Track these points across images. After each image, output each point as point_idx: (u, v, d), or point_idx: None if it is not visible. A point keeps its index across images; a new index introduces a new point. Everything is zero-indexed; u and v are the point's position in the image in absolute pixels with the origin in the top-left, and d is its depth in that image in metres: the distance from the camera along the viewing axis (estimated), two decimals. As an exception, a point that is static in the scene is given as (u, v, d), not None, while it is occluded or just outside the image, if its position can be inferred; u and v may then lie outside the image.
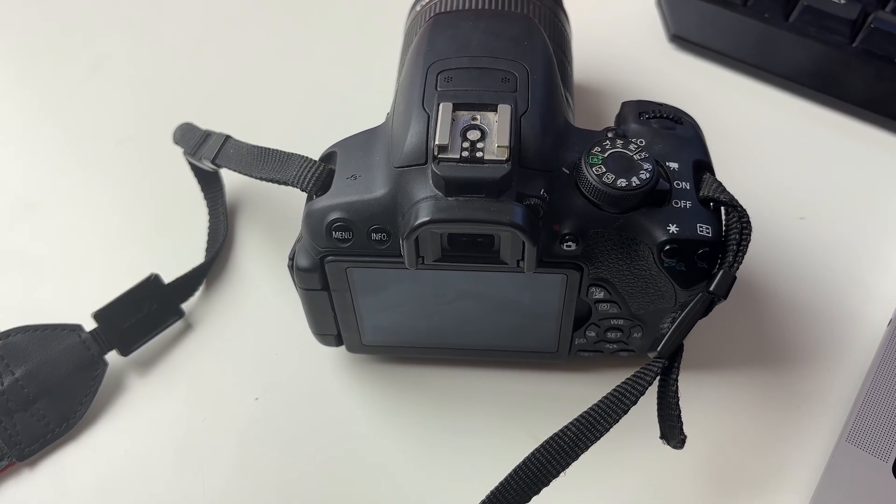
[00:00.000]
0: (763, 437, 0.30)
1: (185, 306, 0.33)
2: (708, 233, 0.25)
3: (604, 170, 0.25)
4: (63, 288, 0.34)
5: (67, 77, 0.43)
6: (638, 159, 0.25)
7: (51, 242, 0.36)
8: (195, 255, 0.35)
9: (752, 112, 0.40)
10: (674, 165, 0.26)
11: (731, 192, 0.26)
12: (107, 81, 0.42)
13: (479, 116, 0.24)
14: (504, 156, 0.24)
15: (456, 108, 0.25)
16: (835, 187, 0.37)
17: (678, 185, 0.26)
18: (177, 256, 0.35)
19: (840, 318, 0.33)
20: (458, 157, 0.24)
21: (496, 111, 0.24)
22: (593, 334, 0.29)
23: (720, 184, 0.26)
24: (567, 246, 0.25)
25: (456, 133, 0.24)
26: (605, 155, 0.25)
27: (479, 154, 0.24)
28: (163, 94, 0.42)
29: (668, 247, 0.25)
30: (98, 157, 0.39)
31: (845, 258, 0.35)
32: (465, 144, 0.24)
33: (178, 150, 0.34)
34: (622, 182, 0.25)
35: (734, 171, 0.37)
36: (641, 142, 0.26)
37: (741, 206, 0.26)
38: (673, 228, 0.25)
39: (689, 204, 0.26)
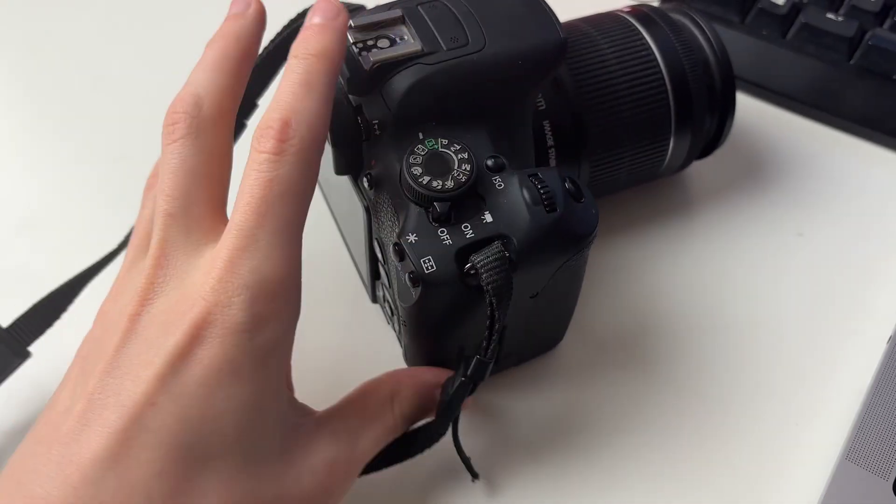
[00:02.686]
0: (763, 456, 0.30)
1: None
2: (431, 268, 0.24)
3: (420, 171, 0.25)
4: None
5: (67, 94, 0.43)
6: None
7: (51, 258, 0.36)
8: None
9: (750, 128, 0.40)
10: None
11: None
12: (107, 98, 0.42)
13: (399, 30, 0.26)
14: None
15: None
16: (832, 203, 0.37)
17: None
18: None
19: (839, 334, 0.33)
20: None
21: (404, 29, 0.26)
22: (380, 293, 0.30)
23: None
24: (368, 185, 0.26)
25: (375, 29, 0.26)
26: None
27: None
28: (162, 110, 0.42)
29: (396, 247, 0.25)
30: (98, 172, 0.39)
31: (843, 274, 0.35)
32: (370, 41, 0.26)
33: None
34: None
35: (732, 186, 0.37)
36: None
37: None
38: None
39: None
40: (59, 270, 0.32)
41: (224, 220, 0.23)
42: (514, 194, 0.25)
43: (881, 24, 0.41)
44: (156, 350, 0.21)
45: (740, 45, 0.41)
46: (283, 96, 0.23)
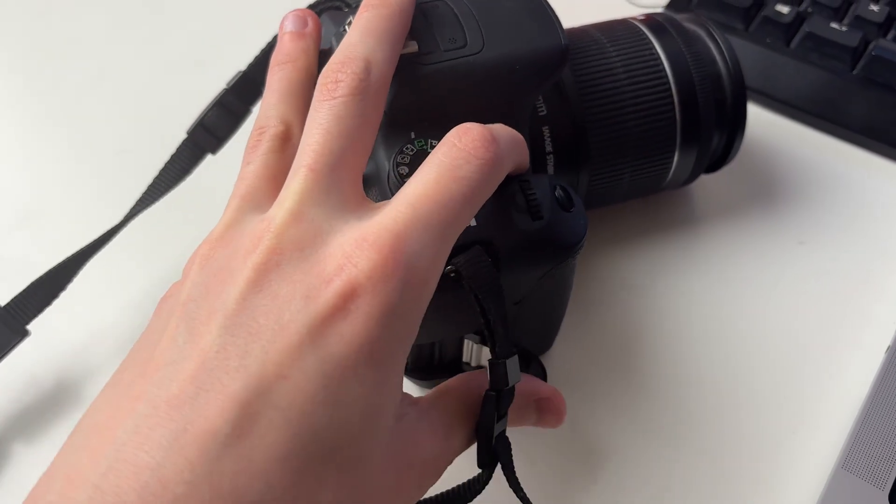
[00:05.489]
0: (759, 463, 0.30)
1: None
2: None
3: (407, 171, 0.25)
4: (62, 296, 0.34)
5: (69, 88, 0.43)
6: None
7: (50, 250, 0.36)
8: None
9: (753, 136, 0.40)
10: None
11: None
12: (107, 92, 0.42)
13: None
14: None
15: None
16: (834, 213, 0.37)
17: None
18: (177, 266, 0.35)
19: (838, 343, 0.33)
20: None
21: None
22: None
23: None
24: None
25: None
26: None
27: None
28: (162, 105, 0.42)
29: None
30: (98, 166, 0.39)
31: (844, 283, 0.35)
32: None
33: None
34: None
35: (733, 194, 0.38)
36: None
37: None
38: None
39: None
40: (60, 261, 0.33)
41: (361, 194, 0.22)
42: (502, 199, 0.24)
43: (885, 35, 0.41)
44: (291, 314, 0.19)
45: (744, 53, 0.41)
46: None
